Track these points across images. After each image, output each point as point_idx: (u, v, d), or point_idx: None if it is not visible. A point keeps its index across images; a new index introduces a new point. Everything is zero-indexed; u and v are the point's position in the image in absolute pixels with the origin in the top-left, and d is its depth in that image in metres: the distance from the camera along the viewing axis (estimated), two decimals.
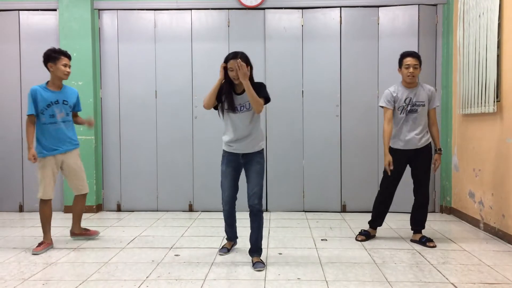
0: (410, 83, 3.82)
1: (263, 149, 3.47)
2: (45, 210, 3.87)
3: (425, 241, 3.83)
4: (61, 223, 4.81)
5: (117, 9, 5.41)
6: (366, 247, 3.83)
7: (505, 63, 3.90)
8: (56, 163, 3.86)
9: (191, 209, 5.45)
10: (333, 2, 5.26)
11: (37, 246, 3.75)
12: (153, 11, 5.40)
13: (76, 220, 4.11)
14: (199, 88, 5.29)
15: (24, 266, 3.36)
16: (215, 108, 3.43)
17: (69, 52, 3.95)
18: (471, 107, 4.51)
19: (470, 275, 3.11)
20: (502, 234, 3.97)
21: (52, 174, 3.85)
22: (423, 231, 3.98)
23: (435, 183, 5.26)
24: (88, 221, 4.94)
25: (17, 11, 5.40)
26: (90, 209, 5.33)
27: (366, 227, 4.21)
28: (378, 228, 4.16)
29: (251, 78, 3.26)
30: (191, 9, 5.38)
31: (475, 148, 4.53)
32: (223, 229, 4.48)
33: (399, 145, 3.87)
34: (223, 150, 3.51)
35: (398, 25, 5.21)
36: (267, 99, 3.32)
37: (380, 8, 5.23)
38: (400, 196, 5.11)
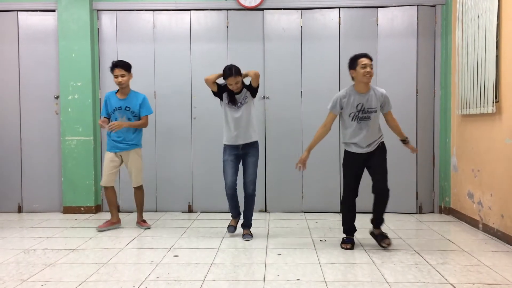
0: (366, 84, 3.68)
1: (257, 141, 4.16)
2: (106, 195, 4.60)
3: (381, 238, 3.83)
4: (59, 224, 4.80)
5: (116, 10, 5.40)
6: (365, 248, 3.83)
7: (503, 63, 3.91)
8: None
9: (190, 209, 5.44)
10: (332, 3, 5.26)
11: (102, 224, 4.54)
12: (152, 11, 5.40)
13: (138, 210, 4.71)
14: (198, 89, 5.29)
15: (23, 267, 3.35)
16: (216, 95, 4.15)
17: (123, 60, 4.50)
18: (470, 108, 4.52)
19: (469, 275, 3.11)
20: (501, 235, 3.97)
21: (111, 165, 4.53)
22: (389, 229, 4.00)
23: (434, 184, 5.27)
24: (87, 221, 4.93)
25: (16, 12, 5.39)
26: (89, 210, 5.32)
27: (365, 227, 4.20)
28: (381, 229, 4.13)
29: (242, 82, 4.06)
30: (190, 9, 5.38)
31: (474, 148, 4.54)
32: (223, 229, 4.49)
33: (353, 149, 3.79)
34: (224, 144, 4.15)
35: (397, 25, 5.21)
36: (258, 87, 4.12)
37: (379, 9, 5.24)
38: (401, 196, 5.12)
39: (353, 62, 3.71)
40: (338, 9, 5.27)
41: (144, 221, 4.65)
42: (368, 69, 3.63)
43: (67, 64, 5.29)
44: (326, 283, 2.98)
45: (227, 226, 4.36)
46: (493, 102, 4.02)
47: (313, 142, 3.87)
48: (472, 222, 4.55)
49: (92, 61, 5.32)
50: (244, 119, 4.03)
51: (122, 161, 4.56)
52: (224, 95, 4.08)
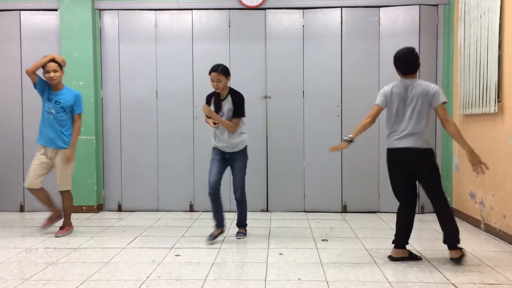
0: None
1: (245, 147, 4.08)
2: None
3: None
4: (61, 223, 4.80)
5: (118, 9, 5.41)
6: (366, 247, 3.82)
7: (506, 63, 3.90)
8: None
9: (191, 209, 5.45)
10: (334, 2, 5.26)
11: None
12: (154, 11, 5.41)
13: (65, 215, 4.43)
14: (200, 88, 5.28)
15: (25, 266, 3.36)
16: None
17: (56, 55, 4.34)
18: (472, 108, 4.51)
19: (471, 275, 3.10)
20: (503, 235, 3.96)
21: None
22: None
23: None
24: (89, 221, 4.94)
25: (18, 11, 5.40)
26: (91, 209, 5.33)
27: (367, 227, 4.19)
28: (377, 228, 4.12)
29: (226, 89, 3.98)
30: (192, 9, 5.38)
31: (476, 148, 4.49)
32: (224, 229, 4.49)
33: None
34: (212, 146, 4.11)
35: (399, 25, 5.20)
36: (242, 116, 4.00)
37: (381, 9, 5.23)
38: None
39: None
40: (340, 8, 5.27)
41: (63, 228, 4.32)
42: None
43: (69, 63, 5.22)
44: (327, 282, 2.98)
45: (228, 226, 4.35)
46: (495, 102, 4.01)
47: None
48: (474, 222, 4.54)
49: (94, 60, 5.33)
50: (226, 133, 3.94)
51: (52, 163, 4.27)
52: (212, 100, 4.02)
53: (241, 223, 4.23)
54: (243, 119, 4.03)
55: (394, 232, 3.49)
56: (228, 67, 5.29)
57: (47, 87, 4.27)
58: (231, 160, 4.03)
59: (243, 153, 4.06)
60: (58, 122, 4.25)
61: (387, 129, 3.49)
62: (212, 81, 3.88)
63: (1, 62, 5.43)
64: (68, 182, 4.33)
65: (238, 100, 3.95)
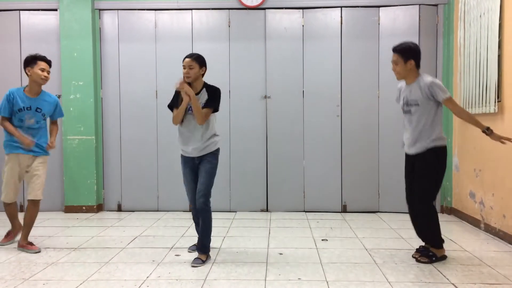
0: (400, 80, 3.44)
1: (217, 150, 3.53)
2: (9, 211, 3.98)
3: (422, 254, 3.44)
4: (61, 223, 4.81)
5: (118, 9, 5.41)
6: (366, 247, 3.82)
7: (506, 63, 3.90)
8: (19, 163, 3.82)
9: (191, 209, 5.44)
10: (334, 2, 5.26)
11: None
12: (153, 11, 5.41)
13: (25, 230, 3.83)
14: None
15: (25, 266, 3.36)
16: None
17: (48, 58, 3.88)
18: (472, 107, 4.51)
19: (470, 275, 3.10)
20: (503, 235, 3.96)
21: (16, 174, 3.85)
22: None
23: None
24: (88, 221, 4.94)
25: (18, 11, 5.40)
26: (90, 209, 5.33)
27: (366, 227, 4.19)
28: (377, 228, 4.13)
29: (200, 82, 3.45)
30: (191, 9, 5.38)
31: (476, 148, 4.53)
32: (224, 229, 4.50)
33: (404, 147, 3.53)
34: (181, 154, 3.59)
35: (399, 25, 5.20)
36: (215, 110, 3.45)
37: (380, 8, 5.23)
38: (402, 196, 5.11)
39: None
40: (340, 8, 5.27)
41: (31, 244, 3.78)
42: (392, 67, 3.39)
43: (69, 63, 5.29)
44: (327, 282, 2.98)
45: (228, 226, 4.34)
46: (495, 102, 4.01)
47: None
48: (474, 222, 4.54)
49: (93, 60, 5.33)
50: (200, 131, 3.40)
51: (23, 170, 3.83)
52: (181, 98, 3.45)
53: (202, 245, 3.42)
54: (216, 118, 3.55)
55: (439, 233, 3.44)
56: (228, 67, 5.36)
57: (16, 101, 3.73)
58: (200, 164, 3.46)
59: (213, 155, 3.47)
60: (36, 130, 3.81)
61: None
62: (184, 68, 3.39)
63: (1, 62, 5.43)
64: (42, 189, 3.83)
65: (214, 92, 3.44)
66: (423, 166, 3.34)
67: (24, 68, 3.81)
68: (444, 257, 3.42)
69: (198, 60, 3.41)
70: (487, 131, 3.25)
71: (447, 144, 5.14)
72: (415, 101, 3.31)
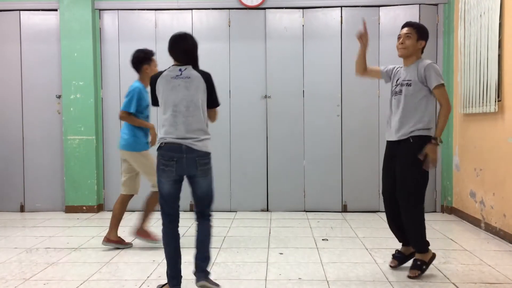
0: (403, 57, 3.22)
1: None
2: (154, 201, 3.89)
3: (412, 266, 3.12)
4: (61, 223, 4.81)
5: (118, 9, 5.41)
6: (367, 247, 3.82)
7: (506, 62, 3.90)
8: None
9: (191, 209, 5.44)
10: (334, 1, 5.25)
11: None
12: (154, 11, 5.40)
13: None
14: None
15: (25, 266, 3.36)
16: None
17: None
18: (472, 107, 4.51)
19: (471, 275, 3.10)
20: (503, 234, 3.96)
21: None
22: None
23: (436, 183, 5.25)
24: (89, 221, 4.94)
25: (18, 11, 5.40)
26: (91, 209, 5.33)
27: (367, 226, 4.19)
28: (378, 228, 4.10)
29: (196, 63, 3.04)
30: (191, 9, 5.38)
31: (476, 147, 4.53)
32: (224, 229, 4.50)
33: (386, 135, 3.24)
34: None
35: (399, 24, 5.12)
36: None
37: (381, 8, 5.23)
38: None
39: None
40: (340, 8, 5.27)
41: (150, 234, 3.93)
42: (401, 40, 3.17)
43: (69, 63, 5.29)
44: (328, 282, 2.98)
45: (228, 226, 4.34)
46: (495, 101, 4.01)
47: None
48: (474, 222, 4.54)
49: (94, 60, 5.33)
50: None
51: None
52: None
53: (204, 265, 2.80)
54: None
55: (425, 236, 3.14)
56: (228, 67, 5.36)
57: (143, 96, 3.76)
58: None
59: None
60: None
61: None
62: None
63: (1, 62, 5.43)
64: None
65: (212, 86, 3.03)
66: (408, 154, 3.00)
67: (140, 64, 3.79)
68: (432, 258, 3.12)
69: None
70: (434, 140, 2.99)
71: (448, 143, 5.17)
72: (408, 81, 3.07)
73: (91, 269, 3.27)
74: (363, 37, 3.33)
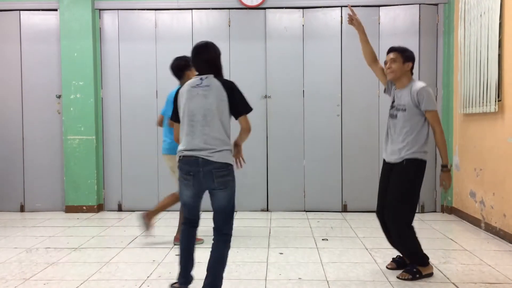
0: (393, 80, 3.20)
1: None
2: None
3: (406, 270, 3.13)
4: (61, 223, 4.81)
5: (118, 9, 5.41)
6: (367, 247, 3.82)
7: (506, 62, 3.90)
8: None
9: None
10: (334, 1, 5.25)
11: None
12: (153, 11, 5.40)
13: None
14: None
15: (26, 266, 3.36)
16: None
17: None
18: (472, 107, 4.51)
19: (471, 275, 3.10)
20: (503, 234, 3.96)
21: None
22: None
23: (436, 183, 5.25)
24: (89, 220, 4.94)
25: (18, 11, 5.40)
26: (91, 209, 5.33)
27: (367, 226, 4.19)
28: (378, 228, 4.07)
29: (220, 72, 2.78)
30: (191, 9, 5.38)
31: (476, 147, 4.53)
32: None
33: (383, 153, 3.31)
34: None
35: (399, 24, 5.20)
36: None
37: (381, 8, 5.23)
38: None
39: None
40: (340, 7, 5.27)
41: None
42: (387, 65, 3.18)
43: (69, 63, 5.29)
44: (328, 282, 2.98)
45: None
46: (495, 101, 4.01)
47: None
48: (474, 221, 4.54)
49: (94, 60, 5.33)
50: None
51: None
52: None
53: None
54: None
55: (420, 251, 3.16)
56: (228, 66, 5.35)
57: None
58: None
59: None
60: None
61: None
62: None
63: (1, 62, 5.43)
64: None
65: (241, 95, 2.85)
66: (401, 177, 3.09)
67: (181, 72, 3.97)
68: (429, 275, 3.08)
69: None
70: (445, 168, 3.17)
71: (448, 143, 5.16)
72: (403, 106, 3.10)
73: (91, 269, 3.27)
74: (354, 20, 3.38)
